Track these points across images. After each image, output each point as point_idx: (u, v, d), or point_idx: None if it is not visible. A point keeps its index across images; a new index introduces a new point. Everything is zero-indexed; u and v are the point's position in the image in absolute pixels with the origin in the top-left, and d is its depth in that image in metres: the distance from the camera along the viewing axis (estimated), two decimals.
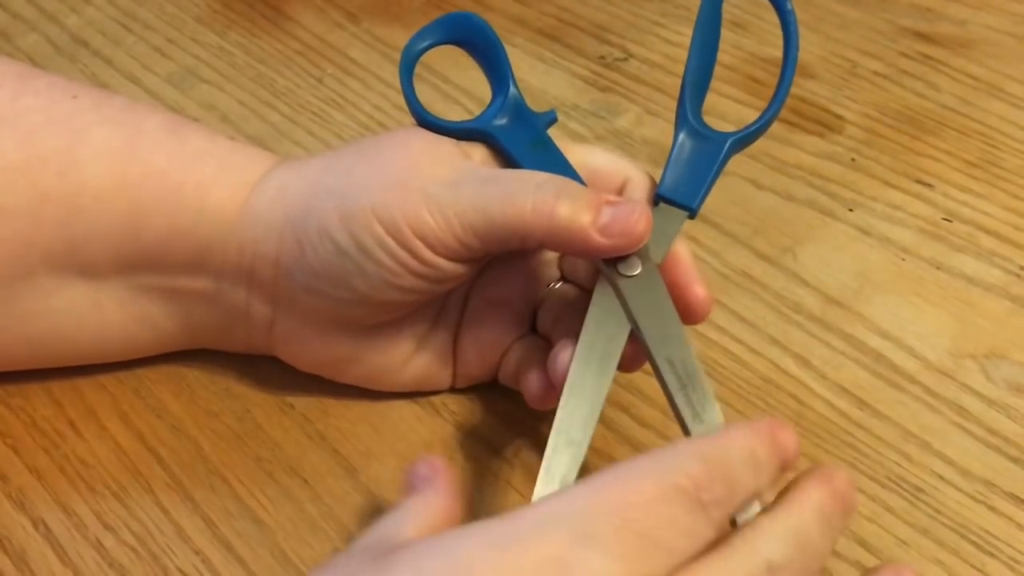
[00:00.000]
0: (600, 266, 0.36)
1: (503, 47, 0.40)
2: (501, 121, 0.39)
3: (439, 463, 0.30)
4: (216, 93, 0.57)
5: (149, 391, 0.42)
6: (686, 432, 0.33)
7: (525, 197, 0.35)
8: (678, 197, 0.38)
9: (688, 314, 0.37)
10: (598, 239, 0.35)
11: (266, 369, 0.41)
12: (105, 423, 0.41)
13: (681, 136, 0.39)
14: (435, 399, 0.41)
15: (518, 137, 0.39)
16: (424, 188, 0.35)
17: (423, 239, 0.35)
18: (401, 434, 0.40)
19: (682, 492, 0.25)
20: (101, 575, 0.36)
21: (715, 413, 0.33)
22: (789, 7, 0.39)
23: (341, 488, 0.38)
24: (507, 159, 0.39)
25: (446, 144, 0.37)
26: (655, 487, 0.25)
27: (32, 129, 0.38)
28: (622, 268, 0.36)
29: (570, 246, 0.35)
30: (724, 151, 0.38)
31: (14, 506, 0.38)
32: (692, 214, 0.37)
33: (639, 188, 0.38)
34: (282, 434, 0.40)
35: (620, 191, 0.38)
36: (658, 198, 0.38)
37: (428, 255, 0.35)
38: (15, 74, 0.39)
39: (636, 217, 0.35)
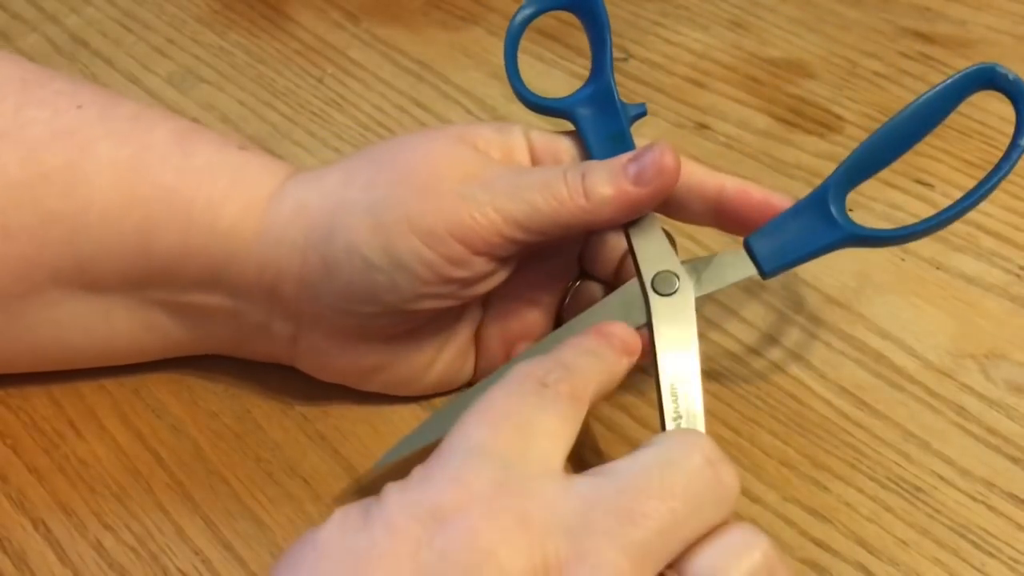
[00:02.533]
0: (639, 279, 0.36)
1: (608, 27, 0.40)
2: (587, 106, 0.39)
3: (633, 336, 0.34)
4: (216, 93, 0.57)
5: (149, 391, 0.42)
6: None
7: (558, 182, 0.35)
8: (759, 253, 0.36)
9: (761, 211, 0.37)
10: (637, 191, 0.35)
11: (266, 369, 0.41)
12: (105, 423, 0.41)
13: (807, 202, 0.37)
14: (435, 399, 0.41)
15: (599, 127, 0.39)
16: (457, 191, 0.35)
17: (465, 241, 0.35)
18: (401, 434, 0.40)
19: (527, 381, 0.30)
20: (101, 575, 0.36)
21: None
22: (1022, 143, 0.35)
23: (341, 488, 0.38)
24: (585, 147, 0.39)
25: (463, 146, 0.37)
26: (507, 387, 0.30)
27: (36, 144, 0.37)
28: (660, 286, 0.36)
29: (615, 213, 0.36)
30: (835, 239, 0.36)
31: (14, 506, 0.38)
32: (763, 275, 0.36)
33: (737, 189, 0.38)
34: (282, 434, 0.40)
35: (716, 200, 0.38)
36: (745, 244, 0.37)
37: (467, 257, 0.35)
38: (19, 80, 0.38)
39: (659, 152, 0.36)
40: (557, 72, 0.57)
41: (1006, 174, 0.35)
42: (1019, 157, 0.35)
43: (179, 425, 0.41)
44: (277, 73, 0.58)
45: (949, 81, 0.36)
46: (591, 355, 0.32)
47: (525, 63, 0.57)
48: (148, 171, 0.37)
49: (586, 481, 0.28)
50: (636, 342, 0.34)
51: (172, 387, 0.42)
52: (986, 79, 0.36)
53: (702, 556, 0.28)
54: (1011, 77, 0.35)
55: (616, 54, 0.58)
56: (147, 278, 0.38)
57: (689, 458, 0.29)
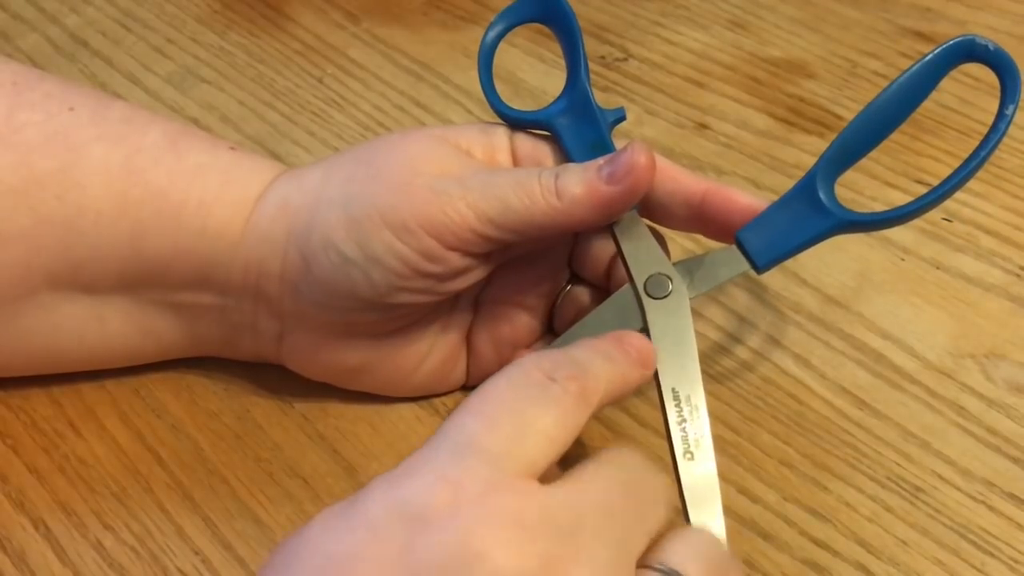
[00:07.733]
0: (631, 284, 0.36)
1: (580, 36, 0.40)
2: (566, 116, 0.39)
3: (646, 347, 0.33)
4: (216, 93, 0.57)
5: (149, 391, 0.42)
6: (675, 467, 0.33)
7: (532, 181, 0.35)
8: (751, 247, 0.36)
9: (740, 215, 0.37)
10: (609, 189, 0.35)
11: (266, 369, 0.41)
12: (105, 423, 0.41)
13: (795, 191, 0.36)
14: (435, 399, 0.41)
15: (579, 136, 0.38)
16: (430, 186, 0.35)
17: (437, 236, 0.35)
18: (401, 434, 0.40)
19: (534, 373, 0.29)
20: (101, 575, 0.36)
21: (708, 453, 0.33)
22: (1008, 112, 0.34)
23: (341, 488, 0.38)
24: (566, 157, 0.38)
25: (443, 144, 0.37)
26: (512, 378, 0.29)
27: (29, 148, 0.37)
28: (653, 289, 0.36)
29: (589, 212, 0.35)
30: (827, 227, 0.35)
31: (14, 506, 0.38)
32: (757, 270, 0.36)
33: (722, 194, 0.37)
34: (282, 434, 0.40)
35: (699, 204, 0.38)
36: (735, 239, 0.36)
37: (441, 251, 0.35)
38: (10, 83, 0.38)
39: (631, 151, 0.35)
40: (557, 72, 0.57)
41: (995, 146, 0.34)
42: (1006, 128, 0.34)
43: (179, 425, 0.41)
44: (277, 73, 0.58)
45: (929, 56, 0.35)
46: (605, 358, 0.32)
47: (525, 63, 0.57)
48: (141, 174, 0.37)
49: (567, 482, 0.28)
50: (652, 356, 0.34)
51: (172, 387, 0.42)
52: (966, 51, 0.35)
53: (664, 548, 0.28)
54: (991, 47, 0.35)
55: (616, 54, 0.58)
56: (139, 279, 0.38)
57: (640, 463, 0.30)
